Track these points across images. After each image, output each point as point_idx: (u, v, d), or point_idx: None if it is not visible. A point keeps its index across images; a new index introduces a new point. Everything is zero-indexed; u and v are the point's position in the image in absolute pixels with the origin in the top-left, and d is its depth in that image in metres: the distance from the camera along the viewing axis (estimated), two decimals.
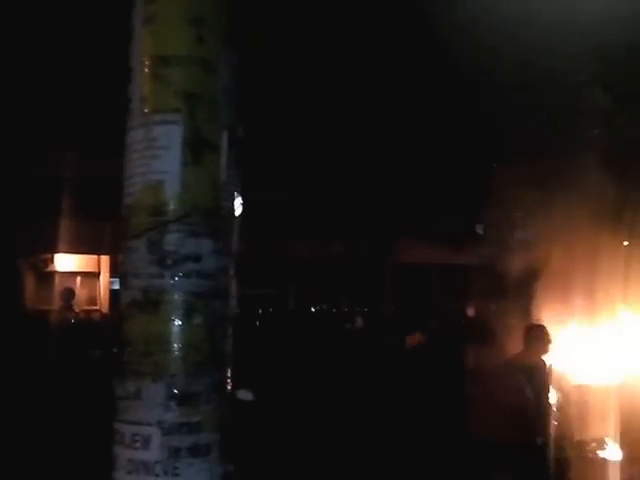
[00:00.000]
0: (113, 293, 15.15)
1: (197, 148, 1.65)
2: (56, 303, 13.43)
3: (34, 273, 15.07)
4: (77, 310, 14.18)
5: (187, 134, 1.64)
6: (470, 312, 12.32)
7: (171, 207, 1.62)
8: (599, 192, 10.08)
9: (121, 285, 1.65)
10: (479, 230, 13.69)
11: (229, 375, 1.65)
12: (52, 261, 14.92)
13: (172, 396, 1.55)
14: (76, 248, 14.39)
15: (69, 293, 13.48)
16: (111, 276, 15.36)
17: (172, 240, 1.61)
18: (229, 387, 1.65)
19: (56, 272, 14.93)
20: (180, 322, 1.58)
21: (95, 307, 15.32)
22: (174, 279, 1.59)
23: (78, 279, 15.45)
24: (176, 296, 1.59)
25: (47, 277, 14.98)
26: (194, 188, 1.64)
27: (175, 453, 1.54)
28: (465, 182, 11.55)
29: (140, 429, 1.56)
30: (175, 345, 1.57)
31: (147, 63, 1.66)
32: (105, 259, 15.40)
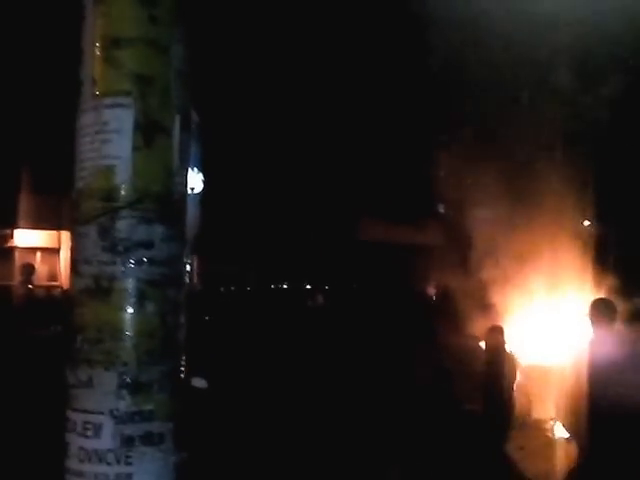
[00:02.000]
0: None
1: (149, 132, 1.60)
2: (16, 279, 13.16)
3: None
4: (37, 285, 13.92)
5: (139, 118, 1.59)
6: (430, 290, 12.47)
7: (122, 192, 1.57)
8: (560, 171, 10.25)
9: (72, 271, 1.61)
10: (440, 209, 13.79)
11: (183, 363, 1.63)
12: (12, 237, 14.58)
13: (124, 384, 1.52)
14: (36, 224, 14.08)
15: (29, 269, 13.18)
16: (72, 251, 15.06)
17: (123, 226, 1.56)
18: (183, 375, 1.63)
19: (16, 248, 14.61)
20: (132, 310, 1.55)
21: (56, 283, 15.05)
22: (126, 266, 1.55)
23: (38, 255, 15.15)
24: (128, 283, 1.55)
25: (7, 253, 14.65)
26: (146, 173, 1.59)
27: (128, 442, 1.52)
28: (427, 162, 11.60)
29: (92, 417, 1.53)
30: (127, 333, 1.54)
31: (98, 45, 1.60)
32: (66, 234, 15.08)
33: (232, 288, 15.26)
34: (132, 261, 1.56)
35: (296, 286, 16.38)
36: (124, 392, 1.52)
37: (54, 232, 15.04)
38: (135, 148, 1.58)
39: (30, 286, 12.50)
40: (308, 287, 16.17)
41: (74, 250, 1.61)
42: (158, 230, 1.59)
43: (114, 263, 1.55)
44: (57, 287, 14.78)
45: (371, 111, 10.60)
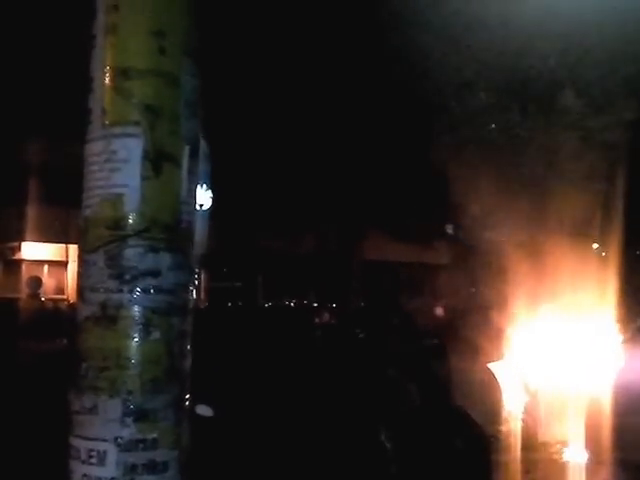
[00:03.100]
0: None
1: (157, 162, 1.63)
2: (23, 291, 13.24)
3: (1, 261, 14.84)
4: (44, 299, 14.01)
5: (147, 147, 1.62)
6: (437, 310, 12.44)
7: (130, 221, 1.60)
8: (569, 194, 10.23)
9: (79, 298, 1.63)
10: (449, 230, 13.79)
11: (188, 390, 1.65)
12: (19, 249, 14.70)
13: (128, 412, 1.54)
14: (44, 236, 14.20)
15: (36, 281, 13.28)
16: (80, 265, 15.16)
17: (131, 255, 1.59)
18: (188, 402, 1.64)
19: (23, 260, 14.72)
20: (138, 338, 1.57)
21: (63, 296, 15.13)
22: (132, 294, 1.58)
23: (46, 268, 15.25)
24: (134, 311, 1.58)
25: (14, 265, 14.77)
26: (154, 202, 1.62)
27: (131, 470, 1.53)
28: (436, 181, 11.63)
29: (96, 445, 1.54)
30: (132, 361, 1.56)
31: (108, 75, 1.63)
32: (73, 248, 15.18)
33: (239, 304, 15.30)
34: (139, 289, 1.58)
35: (303, 303, 16.40)
36: (128, 420, 1.53)
37: (62, 245, 15.16)
38: (143, 177, 1.61)
39: (37, 299, 12.61)
40: (315, 305, 16.21)
41: (81, 277, 1.64)
42: (165, 258, 1.62)
43: (121, 291, 1.58)
44: (64, 300, 14.87)
45: (383, 131, 10.67)
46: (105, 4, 1.66)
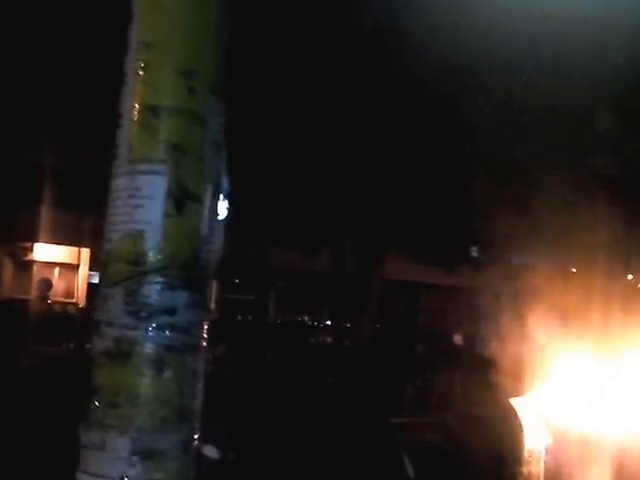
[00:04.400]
0: (91, 286, 15.15)
1: (181, 200, 1.70)
2: (33, 293, 13.42)
3: (12, 261, 15.05)
4: (53, 301, 14.17)
5: (171, 185, 1.69)
6: (457, 337, 12.41)
7: (150, 258, 1.67)
8: (601, 221, 10.17)
9: (94, 332, 1.70)
10: (473, 252, 13.77)
11: (196, 431, 1.70)
12: (31, 250, 14.89)
13: (137, 451, 1.59)
14: (56, 238, 14.38)
15: (46, 284, 13.47)
16: (90, 269, 15.36)
17: (149, 292, 1.66)
18: (195, 443, 1.70)
19: (35, 261, 14.91)
20: (150, 375, 1.63)
21: (72, 300, 15.30)
22: (147, 331, 1.64)
23: (57, 270, 15.44)
24: (148, 349, 1.64)
25: (25, 266, 14.97)
26: (174, 240, 1.69)
27: None
28: (462, 202, 11.63)
29: None
30: (143, 399, 1.62)
31: (137, 111, 1.71)
32: (85, 251, 15.38)
33: (249, 318, 15.35)
34: (154, 326, 1.65)
35: (317, 321, 16.43)
36: (136, 459, 1.59)
37: (74, 248, 15.34)
38: (166, 215, 1.68)
39: (46, 302, 12.77)
40: (328, 323, 16.23)
41: (98, 311, 1.71)
42: (182, 296, 1.68)
43: (136, 328, 1.64)
44: (73, 304, 15.03)
45: (405, 153, 10.71)
46: (138, 41, 1.74)
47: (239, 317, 15.43)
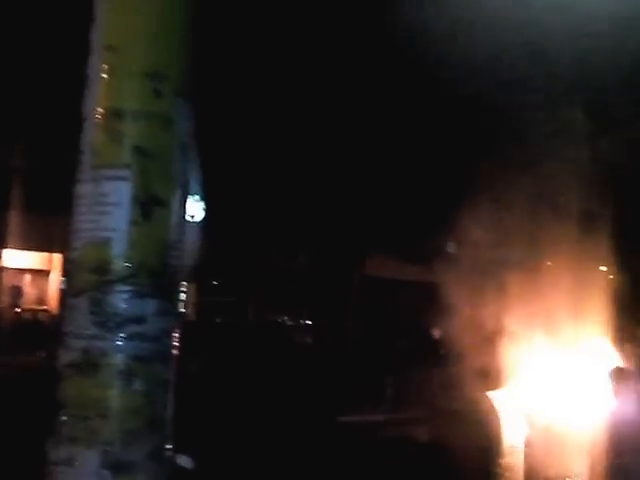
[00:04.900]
0: (64, 293, 14.94)
1: (147, 206, 1.67)
2: (2, 300, 13.22)
3: None
4: (24, 309, 13.98)
5: (137, 191, 1.66)
6: (435, 332, 12.45)
7: (116, 266, 1.64)
8: (576, 216, 10.29)
9: (61, 344, 1.67)
10: (450, 249, 13.82)
11: (168, 440, 1.68)
12: (0, 256, 14.67)
13: (106, 465, 1.57)
14: (26, 244, 14.18)
15: (16, 291, 13.27)
16: (62, 275, 15.17)
17: (116, 301, 1.63)
18: (168, 452, 1.68)
19: (4, 268, 14.69)
20: (119, 387, 1.60)
21: (44, 307, 15.10)
22: (115, 342, 1.61)
23: (27, 277, 15.23)
24: (116, 359, 1.61)
25: None
26: (141, 247, 1.66)
27: None
28: (439, 200, 11.69)
29: None
30: (112, 410, 1.59)
31: (101, 116, 1.68)
32: (57, 257, 15.19)
33: (227, 321, 15.26)
34: (122, 336, 1.62)
35: (296, 321, 16.40)
36: (106, 472, 1.56)
37: (45, 254, 15.14)
38: (132, 221, 1.65)
39: (17, 309, 12.57)
40: (308, 322, 16.20)
41: (64, 322, 1.68)
42: (151, 305, 1.66)
43: (104, 338, 1.61)
44: (45, 311, 14.83)
45: (385, 148, 10.76)
46: (102, 45, 1.71)
47: (219, 319, 15.34)
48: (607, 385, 5.08)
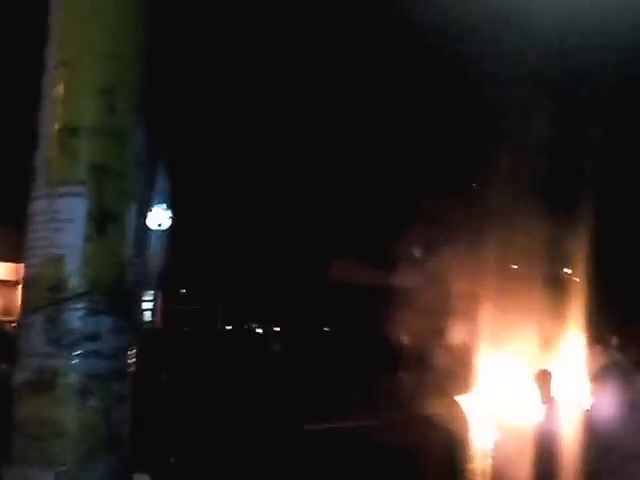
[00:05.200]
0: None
1: (102, 222, 1.65)
2: None
3: None
4: None
5: (92, 207, 1.64)
6: (404, 337, 12.50)
7: (71, 283, 1.61)
8: (535, 219, 10.44)
9: (16, 363, 1.63)
10: (416, 253, 13.93)
11: (125, 459, 1.65)
12: None
13: None
14: None
15: None
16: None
17: (70, 318, 1.60)
18: (126, 471, 1.65)
19: None
20: (74, 406, 1.57)
21: (11, 318, 14.80)
22: (70, 360, 1.59)
23: None
24: (71, 378, 1.58)
25: None
26: (96, 264, 1.64)
27: None
28: (402, 205, 11.77)
29: None
30: (67, 430, 1.56)
31: (55, 132, 1.66)
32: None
33: (195, 329, 15.12)
34: (77, 354, 1.59)
35: (265, 328, 16.34)
36: None
37: (12, 264, 14.86)
38: (87, 238, 1.63)
39: None
40: (277, 329, 16.15)
41: (19, 340, 1.64)
42: (106, 322, 1.63)
43: (58, 356, 1.58)
44: (12, 322, 14.53)
45: (348, 153, 10.81)
46: (56, 61, 1.68)
47: (187, 328, 15.20)
48: (532, 388, 5.22)
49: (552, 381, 5.30)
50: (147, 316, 13.40)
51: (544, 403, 5.21)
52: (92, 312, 1.61)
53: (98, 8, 1.68)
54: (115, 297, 1.65)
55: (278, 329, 16.10)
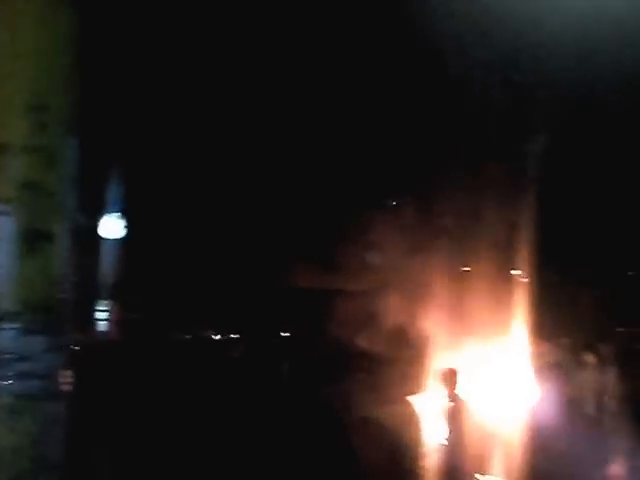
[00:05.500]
0: None
1: (33, 241, 1.62)
2: None
3: None
4: None
5: (22, 225, 1.61)
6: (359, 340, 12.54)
7: (2, 303, 1.58)
8: (495, 223, 10.62)
9: None
10: (370, 257, 14.00)
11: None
12: None
13: None
14: None
15: None
16: None
17: (1, 339, 1.57)
18: None
19: None
20: (5, 426, 1.54)
21: None
22: (2, 380, 1.55)
23: None
24: (3, 398, 1.55)
25: None
26: (28, 283, 1.61)
27: None
28: (357, 207, 11.83)
29: None
30: None
31: None
32: None
33: (152, 338, 14.90)
34: (8, 375, 1.55)
35: (223, 335, 16.19)
36: None
37: None
38: (17, 257, 1.60)
39: None
40: (234, 336, 16.02)
41: None
42: (38, 342, 1.60)
43: None
44: None
45: (305, 160, 10.84)
46: None
47: (142, 337, 14.93)
48: (439, 386, 5.28)
49: (458, 379, 5.35)
50: (103, 327, 13.16)
51: (450, 401, 5.26)
52: (24, 332, 1.58)
53: (25, 28, 1.65)
54: (48, 316, 1.62)
55: (236, 336, 15.99)
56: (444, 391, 5.25)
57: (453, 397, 5.16)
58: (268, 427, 6.93)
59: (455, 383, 5.21)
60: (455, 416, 4.96)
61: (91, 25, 1.85)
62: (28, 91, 1.65)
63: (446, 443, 5.22)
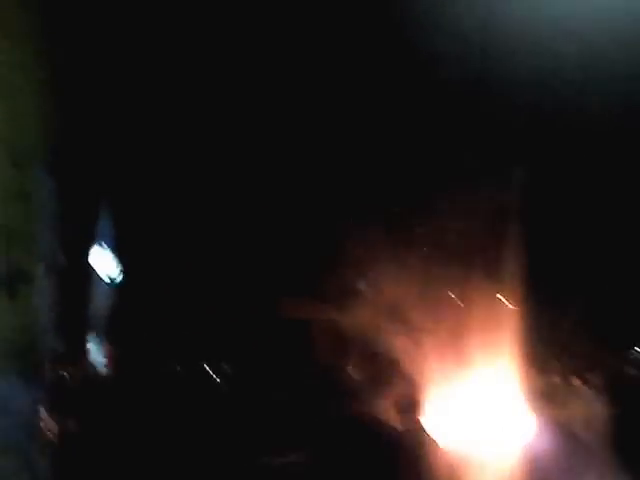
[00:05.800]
0: None
1: (12, 284, 1.57)
2: None
3: None
4: None
5: (1, 270, 1.56)
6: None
7: None
8: (480, 251, 10.65)
9: None
10: (361, 286, 13.99)
11: None
12: None
13: None
14: None
15: None
16: None
17: None
18: None
19: None
20: None
21: None
22: None
23: None
24: None
25: None
26: (6, 327, 1.55)
27: None
28: (343, 237, 11.83)
29: None
30: None
31: None
32: None
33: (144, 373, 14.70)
34: None
35: (215, 368, 16.03)
36: None
37: None
38: None
39: None
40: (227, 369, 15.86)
41: None
42: (16, 387, 1.54)
43: None
44: None
45: (291, 185, 10.86)
46: None
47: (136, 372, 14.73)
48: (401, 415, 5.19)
49: (420, 409, 5.24)
50: (99, 364, 13.04)
51: (409, 430, 5.15)
52: (2, 378, 1.53)
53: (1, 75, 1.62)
54: (26, 362, 1.56)
55: (228, 367, 15.80)
56: (404, 420, 5.16)
57: (413, 425, 5.06)
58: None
59: (416, 412, 5.11)
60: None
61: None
62: (3, 130, 1.61)
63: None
